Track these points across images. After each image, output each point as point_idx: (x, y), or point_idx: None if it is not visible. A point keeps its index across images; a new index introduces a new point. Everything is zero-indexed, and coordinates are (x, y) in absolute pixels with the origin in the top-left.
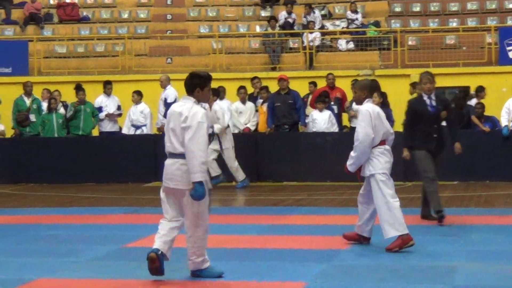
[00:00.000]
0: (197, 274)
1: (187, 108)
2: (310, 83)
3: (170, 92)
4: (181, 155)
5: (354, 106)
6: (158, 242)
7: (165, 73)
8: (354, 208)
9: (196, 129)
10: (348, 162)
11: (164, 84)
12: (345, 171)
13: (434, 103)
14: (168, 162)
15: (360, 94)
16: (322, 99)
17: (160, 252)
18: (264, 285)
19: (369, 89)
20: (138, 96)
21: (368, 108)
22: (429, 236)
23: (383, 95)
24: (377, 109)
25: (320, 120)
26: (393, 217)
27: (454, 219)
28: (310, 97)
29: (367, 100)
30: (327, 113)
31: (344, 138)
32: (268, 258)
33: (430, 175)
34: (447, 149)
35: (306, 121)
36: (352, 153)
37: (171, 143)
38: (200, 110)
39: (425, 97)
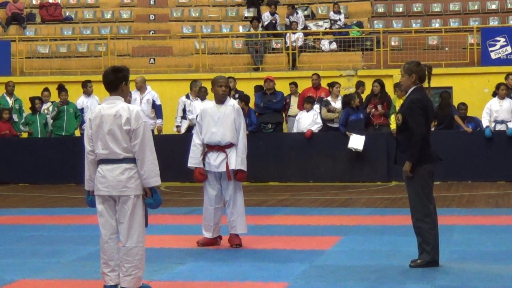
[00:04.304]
0: None
1: (123, 108)
2: (290, 83)
3: (154, 93)
4: (124, 160)
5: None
6: (112, 276)
7: (140, 75)
8: (337, 208)
9: (144, 131)
10: (244, 165)
11: (141, 86)
12: (244, 176)
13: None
14: (105, 168)
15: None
16: (312, 100)
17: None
18: (247, 285)
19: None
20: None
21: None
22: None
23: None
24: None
25: (305, 119)
26: None
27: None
28: (293, 98)
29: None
30: (311, 113)
31: (327, 139)
32: (250, 259)
33: None
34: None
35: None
36: (244, 155)
37: (107, 149)
38: (139, 108)
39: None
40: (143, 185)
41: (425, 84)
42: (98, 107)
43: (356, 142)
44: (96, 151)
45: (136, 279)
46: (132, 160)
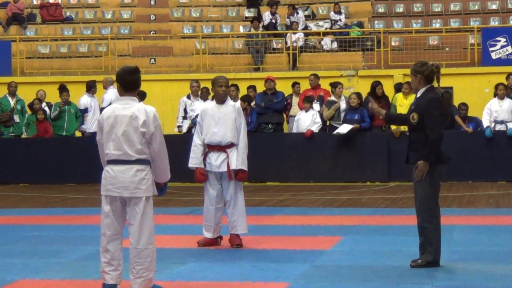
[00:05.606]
0: None
1: (139, 110)
2: (293, 84)
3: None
4: (137, 162)
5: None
6: (113, 275)
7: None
8: (338, 208)
9: (160, 133)
10: (245, 164)
11: (106, 85)
12: (245, 176)
13: None
14: (117, 168)
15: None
16: (311, 100)
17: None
18: (247, 285)
19: None
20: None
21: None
22: (411, 236)
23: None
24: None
25: (304, 119)
26: None
27: None
28: (294, 98)
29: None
30: (311, 113)
31: (327, 138)
32: (251, 259)
33: None
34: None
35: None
36: (244, 155)
37: (120, 150)
38: (155, 110)
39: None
40: (157, 181)
41: (435, 84)
42: (111, 107)
43: (342, 128)
44: (107, 151)
45: (147, 281)
46: (144, 162)
